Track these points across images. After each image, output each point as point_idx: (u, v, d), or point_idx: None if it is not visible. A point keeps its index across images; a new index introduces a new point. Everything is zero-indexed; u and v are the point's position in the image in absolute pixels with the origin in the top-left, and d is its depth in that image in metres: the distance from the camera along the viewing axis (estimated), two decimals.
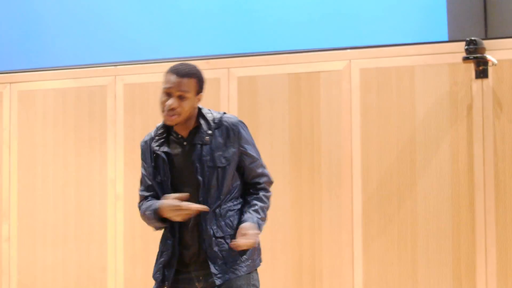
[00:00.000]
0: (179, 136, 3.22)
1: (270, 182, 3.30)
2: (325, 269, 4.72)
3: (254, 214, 3.17)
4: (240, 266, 3.13)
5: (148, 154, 3.26)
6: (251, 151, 3.22)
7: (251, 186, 3.25)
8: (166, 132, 3.25)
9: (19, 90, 5.55)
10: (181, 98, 3.13)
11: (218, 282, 3.10)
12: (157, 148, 3.22)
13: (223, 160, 3.15)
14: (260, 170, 3.24)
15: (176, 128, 3.22)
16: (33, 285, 5.42)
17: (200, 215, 3.11)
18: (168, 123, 3.17)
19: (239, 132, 3.20)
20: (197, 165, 3.13)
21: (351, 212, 4.70)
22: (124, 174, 5.22)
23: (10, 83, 5.58)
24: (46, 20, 5.97)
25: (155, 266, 3.25)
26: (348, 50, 4.81)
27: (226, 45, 5.46)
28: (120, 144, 5.26)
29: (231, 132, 3.19)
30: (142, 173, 3.31)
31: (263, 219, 3.20)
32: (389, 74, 4.68)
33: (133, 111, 5.25)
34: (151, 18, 5.69)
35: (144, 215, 3.23)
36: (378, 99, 4.69)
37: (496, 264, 4.40)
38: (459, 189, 4.49)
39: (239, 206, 3.20)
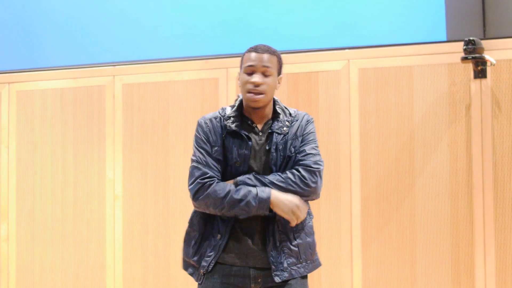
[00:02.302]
0: (254, 124, 3.09)
1: (312, 168, 3.07)
2: (324, 269, 4.72)
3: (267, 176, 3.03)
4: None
5: (217, 133, 3.08)
6: (308, 142, 3.11)
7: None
8: (240, 116, 3.10)
9: (17, 90, 5.55)
10: (265, 74, 3.03)
11: (277, 280, 3.00)
12: (236, 128, 3.06)
13: (292, 149, 3.06)
14: (306, 154, 3.09)
15: (250, 115, 3.10)
16: (32, 284, 5.42)
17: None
18: (253, 104, 3.04)
19: (308, 129, 3.12)
20: (274, 153, 3.03)
21: (350, 212, 4.70)
22: (123, 173, 5.22)
23: (9, 83, 5.58)
24: (45, 20, 5.96)
25: (198, 254, 3.08)
26: (347, 50, 4.81)
27: (224, 45, 5.46)
28: (118, 144, 5.26)
29: (303, 127, 3.10)
30: (201, 152, 3.06)
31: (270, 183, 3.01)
32: (388, 74, 4.68)
33: (132, 111, 5.25)
34: (151, 18, 5.69)
35: (233, 200, 2.99)
36: (376, 99, 4.69)
37: (494, 263, 4.41)
38: (457, 188, 4.50)
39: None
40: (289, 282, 3.05)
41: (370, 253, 4.65)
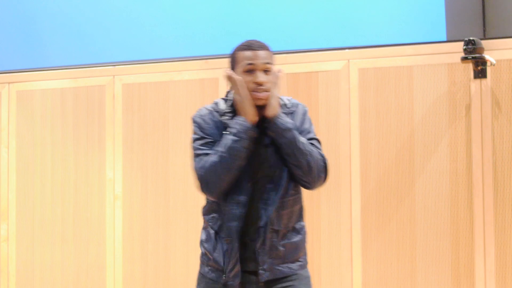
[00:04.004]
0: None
1: (324, 161, 3.00)
2: (324, 269, 4.72)
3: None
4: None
5: (213, 126, 2.98)
6: (309, 135, 3.03)
7: None
8: (235, 112, 2.98)
9: (17, 90, 5.55)
10: (266, 72, 2.95)
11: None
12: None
13: None
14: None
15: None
16: (32, 285, 5.42)
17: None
18: (260, 103, 2.93)
19: (305, 118, 3.05)
20: (271, 148, 2.95)
21: (350, 212, 4.70)
22: (123, 174, 5.22)
23: (9, 83, 5.58)
24: (44, 20, 5.96)
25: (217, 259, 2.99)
26: (347, 50, 4.81)
27: (224, 45, 5.45)
28: (118, 144, 5.26)
29: (301, 118, 3.04)
30: (200, 148, 2.97)
31: (299, 139, 2.92)
32: (388, 74, 4.68)
33: (132, 111, 5.25)
34: (151, 18, 5.69)
35: (221, 157, 2.88)
36: (376, 99, 4.69)
37: (494, 263, 4.41)
38: (457, 189, 4.50)
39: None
40: (291, 280, 3.02)
41: (370, 253, 4.65)
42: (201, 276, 3.09)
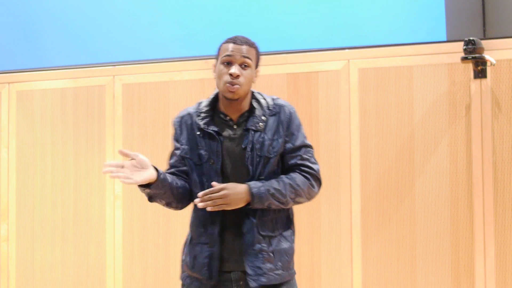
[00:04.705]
0: (227, 118, 2.99)
1: (313, 173, 3.00)
2: (324, 268, 4.72)
3: (268, 183, 2.90)
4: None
5: (186, 131, 3.03)
6: (296, 142, 3.00)
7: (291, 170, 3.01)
8: (212, 111, 3.00)
9: (17, 90, 5.55)
10: (243, 66, 2.93)
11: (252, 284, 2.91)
12: (204, 125, 2.97)
13: (271, 150, 2.94)
14: (301, 162, 2.99)
15: (225, 109, 2.99)
16: (32, 285, 5.42)
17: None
18: (230, 95, 2.92)
19: (290, 122, 3.00)
20: (249, 152, 2.92)
21: (350, 212, 4.70)
22: None
23: (9, 83, 5.58)
24: (44, 20, 5.96)
25: (193, 260, 3.00)
26: (347, 50, 4.81)
27: None
28: (118, 144, 5.25)
29: (284, 121, 2.98)
30: (170, 156, 3.13)
31: (278, 191, 2.90)
32: (388, 74, 4.68)
33: (132, 111, 5.25)
34: (151, 18, 5.69)
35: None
36: (376, 99, 4.69)
37: (494, 263, 4.41)
38: (457, 189, 4.50)
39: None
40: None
41: (370, 253, 4.65)
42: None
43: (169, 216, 5.09)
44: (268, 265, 2.94)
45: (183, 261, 3.08)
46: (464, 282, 4.45)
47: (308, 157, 3.02)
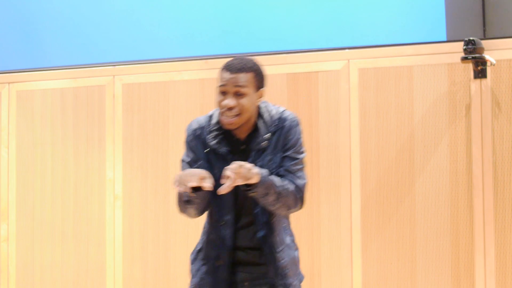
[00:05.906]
0: (236, 137, 2.96)
1: (298, 193, 2.96)
2: (324, 268, 4.72)
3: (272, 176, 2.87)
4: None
5: (200, 145, 2.98)
6: (287, 152, 2.96)
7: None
8: (222, 128, 2.95)
9: (17, 90, 5.55)
10: (238, 95, 2.86)
11: None
12: (216, 145, 2.94)
13: (272, 166, 2.92)
14: (285, 173, 2.95)
15: (235, 130, 2.94)
16: (32, 284, 5.42)
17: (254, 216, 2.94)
18: (228, 127, 2.88)
19: (289, 135, 2.95)
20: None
21: (350, 212, 4.70)
22: (123, 173, 5.22)
23: (9, 83, 5.58)
24: (44, 20, 5.96)
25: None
26: (347, 50, 4.81)
27: (224, 45, 5.46)
28: (118, 144, 5.26)
29: (283, 135, 2.95)
30: (184, 161, 3.05)
31: (273, 185, 2.85)
32: (388, 74, 4.68)
33: (132, 111, 5.25)
34: (151, 18, 5.69)
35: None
36: (376, 99, 4.69)
37: (494, 263, 4.41)
38: (457, 188, 4.50)
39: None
40: None
41: (370, 253, 4.65)
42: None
43: (169, 216, 5.09)
44: (282, 275, 3.00)
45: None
46: (464, 282, 4.45)
47: (295, 170, 2.98)
